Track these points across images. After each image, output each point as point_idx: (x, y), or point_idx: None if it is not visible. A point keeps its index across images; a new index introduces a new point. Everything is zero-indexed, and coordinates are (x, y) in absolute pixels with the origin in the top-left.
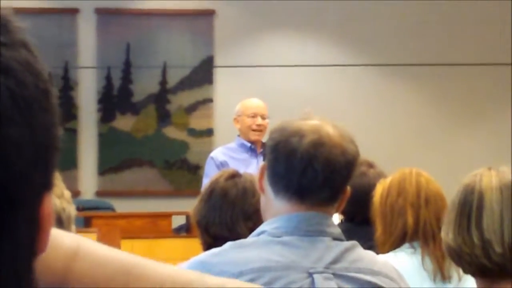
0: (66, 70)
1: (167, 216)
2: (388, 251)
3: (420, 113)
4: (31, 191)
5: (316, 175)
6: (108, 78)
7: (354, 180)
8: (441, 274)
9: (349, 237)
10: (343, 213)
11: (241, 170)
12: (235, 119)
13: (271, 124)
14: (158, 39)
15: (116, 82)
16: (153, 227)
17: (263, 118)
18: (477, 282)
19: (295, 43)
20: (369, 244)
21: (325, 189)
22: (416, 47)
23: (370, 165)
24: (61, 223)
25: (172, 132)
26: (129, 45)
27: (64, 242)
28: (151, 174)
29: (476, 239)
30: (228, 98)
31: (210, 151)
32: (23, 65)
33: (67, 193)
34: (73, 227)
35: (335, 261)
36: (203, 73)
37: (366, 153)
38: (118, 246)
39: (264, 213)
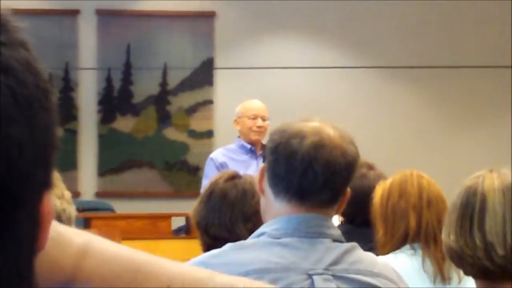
0: (66, 71)
1: (167, 217)
2: (388, 253)
3: (420, 115)
4: (32, 190)
5: (317, 177)
6: (109, 79)
7: (354, 182)
8: (442, 276)
9: (349, 239)
10: (343, 214)
11: (241, 171)
12: (235, 120)
13: (271, 126)
14: (158, 40)
15: (117, 83)
16: (153, 228)
17: (263, 119)
18: (476, 283)
19: (295, 45)
20: (369, 245)
21: (325, 190)
22: (416, 49)
23: (370, 167)
24: (61, 223)
25: (172, 133)
26: (130, 46)
27: (74, 240)
28: (151, 175)
29: (478, 241)
30: (228, 100)
31: (210, 152)
32: (23, 64)
33: (68, 194)
34: (73, 227)
35: (335, 262)
36: (203, 75)
37: (366, 155)
38: None
39: (264, 215)
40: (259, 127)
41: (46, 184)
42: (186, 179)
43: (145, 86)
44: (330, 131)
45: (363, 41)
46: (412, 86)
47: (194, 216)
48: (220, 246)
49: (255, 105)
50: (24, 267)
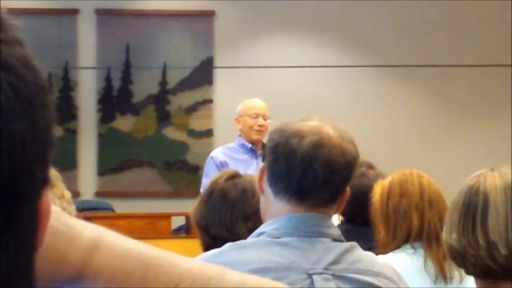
0: (66, 70)
1: (167, 216)
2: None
3: (419, 114)
4: (34, 186)
5: (316, 176)
6: (108, 79)
7: (354, 181)
8: (443, 276)
9: (348, 238)
10: (342, 214)
11: (241, 170)
12: (236, 119)
13: (270, 125)
14: (158, 39)
15: (116, 83)
16: (153, 228)
17: (265, 118)
18: (477, 282)
19: (295, 44)
20: (369, 245)
21: (325, 190)
22: (416, 48)
23: (370, 166)
24: None
25: (172, 133)
26: (129, 45)
27: (84, 234)
28: (150, 174)
29: (481, 241)
30: (228, 99)
31: (210, 152)
32: (21, 61)
33: (67, 194)
34: None
35: (335, 262)
36: (203, 74)
37: (365, 154)
38: None
39: (264, 214)
40: (260, 126)
41: (45, 181)
42: (186, 178)
43: (144, 86)
44: (329, 130)
45: (363, 40)
46: (412, 85)
47: (194, 215)
48: (220, 246)
49: (257, 104)
50: (24, 264)
